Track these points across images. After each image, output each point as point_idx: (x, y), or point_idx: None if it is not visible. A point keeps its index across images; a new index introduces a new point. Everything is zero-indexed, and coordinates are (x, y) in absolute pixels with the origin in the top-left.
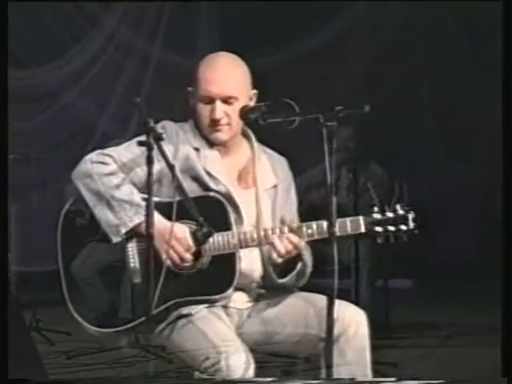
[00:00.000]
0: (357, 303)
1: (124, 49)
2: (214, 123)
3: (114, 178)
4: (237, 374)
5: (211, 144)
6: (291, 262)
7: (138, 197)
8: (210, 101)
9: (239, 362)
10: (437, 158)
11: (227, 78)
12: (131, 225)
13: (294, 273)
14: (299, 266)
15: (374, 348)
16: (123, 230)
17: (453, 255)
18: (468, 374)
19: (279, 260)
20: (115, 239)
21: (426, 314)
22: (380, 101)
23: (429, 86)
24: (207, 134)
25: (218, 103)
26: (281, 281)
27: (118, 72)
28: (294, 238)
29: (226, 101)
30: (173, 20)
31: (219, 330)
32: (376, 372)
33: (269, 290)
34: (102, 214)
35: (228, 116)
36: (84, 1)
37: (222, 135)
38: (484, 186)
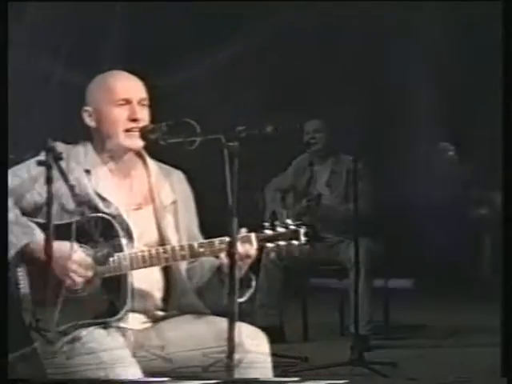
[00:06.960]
0: (355, 303)
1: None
2: (132, 126)
3: None
4: None
5: (102, 165)
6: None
7: (24, 219)
8: (127, 102)
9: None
10: (436, 158)
11: (137, 82)
12: (19, 246)
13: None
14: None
15: (373, 348)
16: (13, 251)
17: (453, 255)
18: (468, 373)
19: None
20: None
21: (425, 313)
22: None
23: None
24: (122, 141)
25: (135, 104)
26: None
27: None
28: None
29: (141, 102)
30: (77, 41)
31: (109, 348)
32: (375, 372)
33: (169, 311)
34: None
35: (143, 121)
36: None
37: (138, 140)
38: (484, 186)
